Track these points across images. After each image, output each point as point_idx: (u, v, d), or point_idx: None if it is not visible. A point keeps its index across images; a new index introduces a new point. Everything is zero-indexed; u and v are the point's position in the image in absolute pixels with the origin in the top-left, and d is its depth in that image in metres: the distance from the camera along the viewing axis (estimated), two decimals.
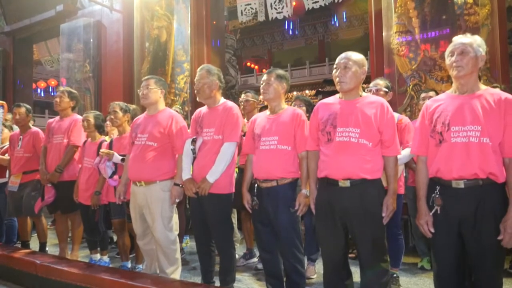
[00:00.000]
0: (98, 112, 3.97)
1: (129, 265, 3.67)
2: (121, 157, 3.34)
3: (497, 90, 2.03)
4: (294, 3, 7.48)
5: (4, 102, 3.13)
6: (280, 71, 2.71)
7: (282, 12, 6.19)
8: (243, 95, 3.97)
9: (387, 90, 3.07)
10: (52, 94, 15.80)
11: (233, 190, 2.88)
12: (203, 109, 2.96)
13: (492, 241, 1.85)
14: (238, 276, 3.29)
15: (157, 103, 3.07)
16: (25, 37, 8.30)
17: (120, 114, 3.52)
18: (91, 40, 6.78)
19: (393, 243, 2.90)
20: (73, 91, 4.11)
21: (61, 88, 4.12)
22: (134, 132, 3.08)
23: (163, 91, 3.09)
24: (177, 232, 3.05)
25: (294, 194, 2.56)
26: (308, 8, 6.00)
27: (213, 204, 2.75)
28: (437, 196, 1.98)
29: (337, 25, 17.28)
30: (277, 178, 2.55)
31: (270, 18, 6.30)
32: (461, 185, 1.91)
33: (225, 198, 2.79)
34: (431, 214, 2.01)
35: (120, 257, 3.76)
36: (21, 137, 4.23)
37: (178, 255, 3.03)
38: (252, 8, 6.43)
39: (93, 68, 6.80)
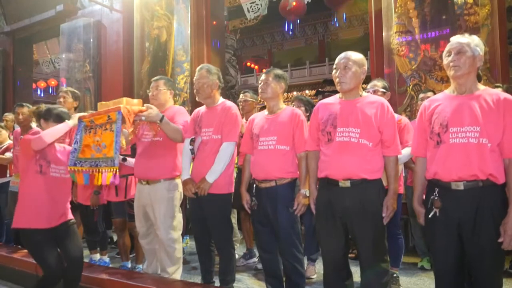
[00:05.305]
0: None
1: (129, 265, 3.67)
2: (122, 157, 3.33)
3: (496, 90, 2.01)
4: (294, 3, 7.47)
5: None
6: (278, 71, 2.71)
7: None
8: (241, 95, 3.97)
9: (384, 90, 3.07)
10: (52, 94, 15.74)
11: (232, 190, 2.88)
12: (202, 109, 2.96)
13: (492, 244, 1.84)
14: (238, 276, 3.29)
15: (166, 103, 3.09)
16: (25, 37, 8.27)
17: None
18: (91, 40, 6.76)
19: (393, 243, 2.90)
20: (76, 91, 4.09)
21: (64, 89, 4.11)
22: (141, 129, 3.08)
23: (172, 91, 3.13)
24: (180, 232, 3.05)
25: (293, 194, 2.56)
26: (309, 1, 6.03)
27: (212, 204, 2.75)
28: (436, 198, 1.96)
29: (337, 25, 17.25)
30: (275, 178, 2.55)
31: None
32: (461, 186, 1.89)
33: (225, 198, 2.79)
34: (430, 216, 1.99)
35: (120, 257, 3.76)
36: (22, 136, 4.23)
37: (180, 254, 3.03)
38: (257, 5, 6.46)
39: (93, 68, 6.79)
